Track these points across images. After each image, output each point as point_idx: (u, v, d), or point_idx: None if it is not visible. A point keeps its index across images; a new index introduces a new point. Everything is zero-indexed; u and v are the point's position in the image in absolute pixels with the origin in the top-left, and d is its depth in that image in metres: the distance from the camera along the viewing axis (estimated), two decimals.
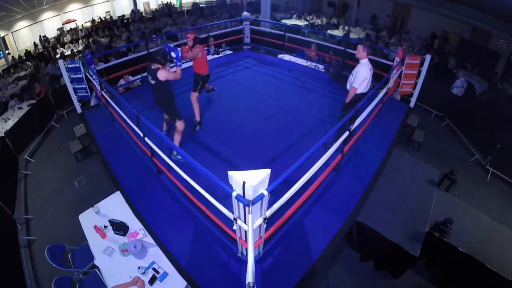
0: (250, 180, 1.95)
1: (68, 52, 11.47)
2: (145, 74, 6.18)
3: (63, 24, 14.73)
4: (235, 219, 2.27)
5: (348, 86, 3.84)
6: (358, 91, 3.68)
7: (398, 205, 3.52)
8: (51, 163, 5.66)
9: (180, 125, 3.75)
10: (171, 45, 3.85)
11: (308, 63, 6.99)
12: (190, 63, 5.10)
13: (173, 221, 3.18)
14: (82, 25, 14.81)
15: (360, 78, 3.60)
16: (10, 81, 9.30)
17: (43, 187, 5.07)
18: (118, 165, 3.96)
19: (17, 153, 5.48)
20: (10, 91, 8.51)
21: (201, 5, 18.60)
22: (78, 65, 4.75)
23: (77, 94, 5.02)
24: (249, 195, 1.98)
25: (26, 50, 12.96)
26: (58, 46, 12.49)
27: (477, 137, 5.75)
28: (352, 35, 11.65)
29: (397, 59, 4.91)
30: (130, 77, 6.19)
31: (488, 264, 3.01)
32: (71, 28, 14.48)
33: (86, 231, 3.20)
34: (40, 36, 13.71)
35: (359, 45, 3.67)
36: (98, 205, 3.46)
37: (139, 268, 2.78)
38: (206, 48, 7.26)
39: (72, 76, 4.83)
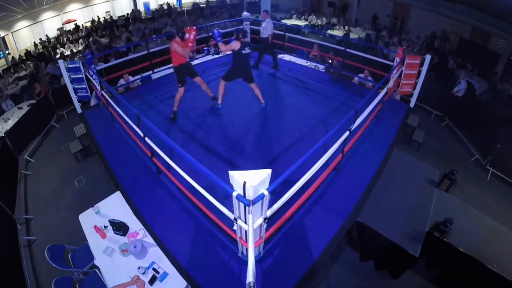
0: (251, 180, 1.95)
1: (68, 52, 11.45)
2: (145, 74, 6.30)
3: (63, 24, 14.72)
4: (235, 219, 2.27)
5: (264, 34, 6.26)
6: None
7: (398, 205, 3.51)
8: (51, 163, 5.65)
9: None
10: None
11: (308, 63, 6.99)
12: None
13: (173, 221, 3.17)
14: (82, 25, 14.78)
15: (270, 28, 6.11)
16: (10, 81, 9.29)
17: (43, 187, 5.07)
18: (118, 165, 3.96)
19: (17, 153, 5.47)
20: (10, 91, 8.50)
21: (201, 5, 18.57)
22: (78, 65, 4.75)
23: (77, 94, 5.02)
24: (250, 195, 1.98)
25: (26, 50, 12.93)
26: (58, 46, 12.46)
27: (477, 137, 5.75)
28: (352, 35, 11.65)
29: (397, 59, 4.91)
30: (130, 77, 6.19)
31: (488, 264, 3.01)
32: (74, 25, 14.44)
33: (86, 231, 3.20)
34: (40, 39, 13.71)
35: (263, 11, 6.25)
36: (98, 205, 3.46)
37: (139, 268, 2.78)
38: (206, 48, 7.28)
39: (72, 76, 4.83)
